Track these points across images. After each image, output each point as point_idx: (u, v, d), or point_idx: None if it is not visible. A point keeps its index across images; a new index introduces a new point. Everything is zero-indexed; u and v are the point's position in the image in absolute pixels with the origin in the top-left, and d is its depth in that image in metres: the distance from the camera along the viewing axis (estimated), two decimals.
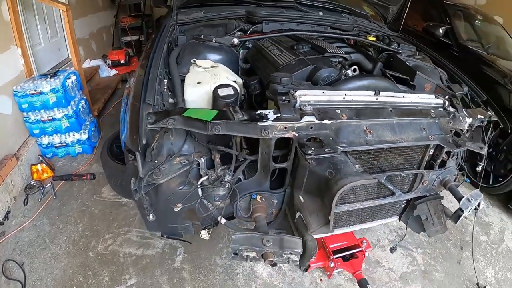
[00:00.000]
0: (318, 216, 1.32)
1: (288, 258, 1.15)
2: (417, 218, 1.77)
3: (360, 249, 1.93)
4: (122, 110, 1.88)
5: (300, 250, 1.15)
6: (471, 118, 1.58)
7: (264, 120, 1.21)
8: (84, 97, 3.11)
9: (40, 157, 2.81)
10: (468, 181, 2.50)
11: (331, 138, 1.28)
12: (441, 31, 3.46)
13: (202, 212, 1.46)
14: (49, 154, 2.97)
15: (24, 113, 2.75)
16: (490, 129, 1.93)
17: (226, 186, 1.41)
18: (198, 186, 1.41)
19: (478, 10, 4.15)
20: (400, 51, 2.11)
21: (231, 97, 1.35)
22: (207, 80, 1.47)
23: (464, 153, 2.66)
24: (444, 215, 1.74)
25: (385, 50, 2.15)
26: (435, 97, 1.56)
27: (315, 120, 1.27)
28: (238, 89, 1.40)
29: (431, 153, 1.56)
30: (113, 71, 4.41)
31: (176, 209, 1.37)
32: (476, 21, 3.79)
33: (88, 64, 4.13)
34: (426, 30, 3.57)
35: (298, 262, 1.20)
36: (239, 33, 2.21)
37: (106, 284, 1.98)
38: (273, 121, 1.22)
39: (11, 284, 1.97)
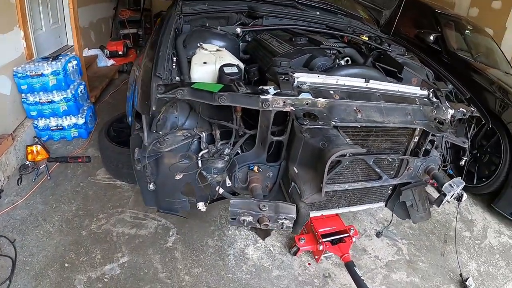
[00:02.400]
0: (311, 184, 1.44)
1: (283, 223, 1.26)
2: (402, 204, 1.91)
3: (347, 234, 2.05)
4: (129, 92, 1.96)
5: (294, 216, 1.26)
6: (453, 110, 1.73)
7: (265, 94, 1.33)
8: (83, 82, 3.20)
9: (36, 139, 2.87)
10: (452, 172, 2.66)
11: (325, 114, 1.42)
12: (431, 37, 3.67)
13: (200, 183, 1.56)
14: (44, 137, 3.03)
15: (23, 94, 2.82)
16: (473, 125, 2.09)
17: (225, 159, 1.52)
18: (199, 158, 1.52)
19: (469, 21, 4.39)
20: (390, 50, 2.27)
21: (236, 74, 1.48)
22: (212, 61, 1.60)
23: (448, 153, 2.84)
24: (428, 201, 1.89)
25: (376, 49, 2.31)
26: (420, 89, 1.71)
27: (311, 97, 1.41)
28: (242, 69, 1.53)
29: (416, 140, 1.70)
30: (111, 62, 4.52)
31: (177, 177, 1.47)
32: (467, 31, 4.01)
33: (86, 53, 4.22)
34: (418, 36, 3.78)
35: (292, 228, 1.31)
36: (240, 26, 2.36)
37: (98, 262, 2.05)
38: (273, 95, 1.35)
39: (1, 259, 2.00)
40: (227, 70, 1.50)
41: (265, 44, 2.05)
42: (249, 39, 2.34)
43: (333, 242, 2.01)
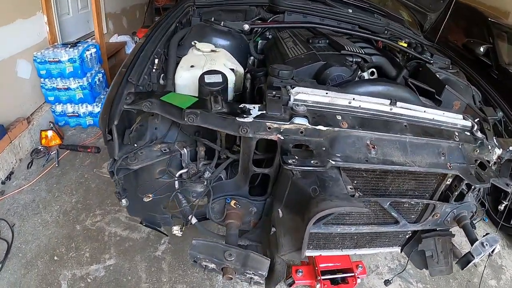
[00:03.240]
0: (292, 237, 1.10)
1: (251, 278, 0.97)
2: (421, 253, 1.53)
3: (352, 274, 1.71)
4: None
5: (265, 273, 0.97)
6: (501, 150, 1.30)
7: (245, 116, 1.02)
8: (102, 71, 3.06)
9: (51, 124, 2.79)
10: (487, 220, 2.17)
11: (324, 149, 1.07)
12: (482, 49, 3.05)
13: (177, 206, 1.31)
14: (61, 122, 2.96)
15: (42, 79, 2.74)
16: None
17: (205, 183, 1.25)
18: (176, 179, 1.26)
19: None
20: (431, 62, 1.83)
21: (218, 85, 1.18)
22: (201, 64, 1.31)
23: (486, 195, 2.33)
24: (452, 255, 1.49)
25: (415, 59, 1.87)
26: (463, 118, 1.30)
27: (307, 124, 1.07)
28: (231, 78, 1.22)
29: (448, 182, 1.30)
30: None
31: (146, 199, 1.22)
32: None
33: (115, 39, 4.10)
34: (466, 46, 3.18)
35: (263, 285, 1.02)
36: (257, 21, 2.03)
37: (85, 260, 1.92)
38: (255, 118, 1.04)
39: None
40: (208, 79, 1.20)
41: (279, 45, 1.71)
42: (270, 36, 2.00)
43: (333, 282, 1.68)
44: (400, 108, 1.23)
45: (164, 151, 1.24)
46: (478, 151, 1.25)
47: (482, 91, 1.80)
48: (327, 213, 0.97)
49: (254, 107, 1.06)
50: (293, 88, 1.16)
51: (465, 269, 1.36)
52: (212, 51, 1.43)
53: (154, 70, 1.29)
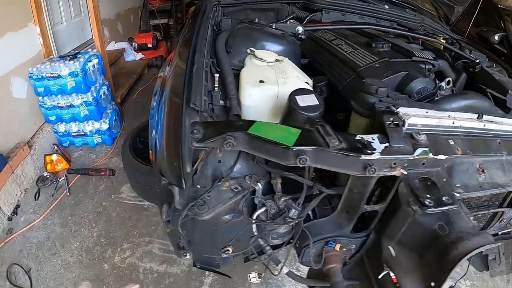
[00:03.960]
0: (415, 279, 0.91)
1: None
2: (482, 256, 1.44)
3: None
4: (153, 105, 1.45)
5: None
6: None
7: (369, 152, 0.78)
8: (107, 83, 2.71)
9: (55, 146, 2.44)
10: None
11: (444, 180, 0.88)
12: (496, 37, 2.95)
13: (256, 254, 1.05)
14: (65, 143, 2.60)
15: (40, 98, 2.38)
16: None
17: (291, 224, 1.00)
18: (253, 221, 1.01)
19: None
20: (478, 61, 1.66)
21: (316, 109, 0.93)
22: (272, 79, 1.05)
23: None
24: None
25: (459, 58, 1.68)
26: None
27: (431, 154, 0.87)
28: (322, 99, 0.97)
29: None
30: (139, 55, 3.98)
31: (225, 255, 0.97)
32: None
33: (113, 46, 3.71)
34: (480, 35, 3.06)
35: None
36: (291, 20, 1.77)
37: None
38: (381, 153, 0.80)
39: None
40: (302, 101, 0.94)
41: (331, 48, 1.47)
42: (302, 36, 1.75)
43: None
44: (488, 122, 1.05)
45: (236, 190, 0.98)
46: None
47: None
48: (471, 255, 0.79)
49: (373, 139, 0.82)
50: (398, 108, 0.93)
51: None
52: (277, 60, 1.16)
53: (216, 89, 1.00)
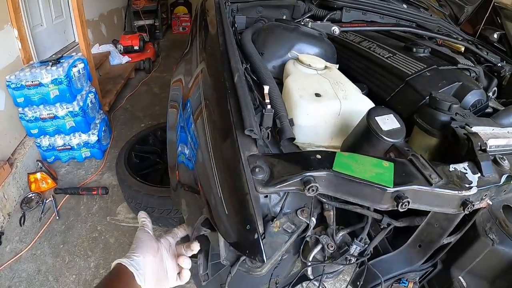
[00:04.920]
0: None
1: None
2: None
3: None
4: (171, 118, 1.19)
5: None
6: None
7: (467, 186, 0.62)
8: (94, 90, 2.44)
9: (39, 163, 2.15)
10: None
11: None
12: (495, 36, 2.92)
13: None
14: (50, 158, 2.32)
15: (20, 109, 2.09)
16: None
17: (353, 262, 0.83)
18: (309, 264, 0.82)
19: None
20: (499, 64, 1.56)
21: (400, 134, 0.74)
22: (330, 92, 0.86)
23: None
24: None
25: (485, 62, 1.58)
26: None
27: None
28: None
29: None
30: (126, 58, 3.68)
31: None
32: None
33: (97, 49, 3.40)
34: (479, 34, 3.02)
35: None
36: (307, 19, 1.59)
37: None
38: (477, 186, 0.64)
39: None
40: (384, 125, 0.74)
41: (363, 51, 1.29)
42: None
43: None
44: None
45: (289, 231, 0.78)
46: None
47: None
48: None
49: (465, 169, 0.66)
50: (471, 127, 0.78)
51: None
52: (326, 67, 0.97)
53: (268, 106, 0.76)
